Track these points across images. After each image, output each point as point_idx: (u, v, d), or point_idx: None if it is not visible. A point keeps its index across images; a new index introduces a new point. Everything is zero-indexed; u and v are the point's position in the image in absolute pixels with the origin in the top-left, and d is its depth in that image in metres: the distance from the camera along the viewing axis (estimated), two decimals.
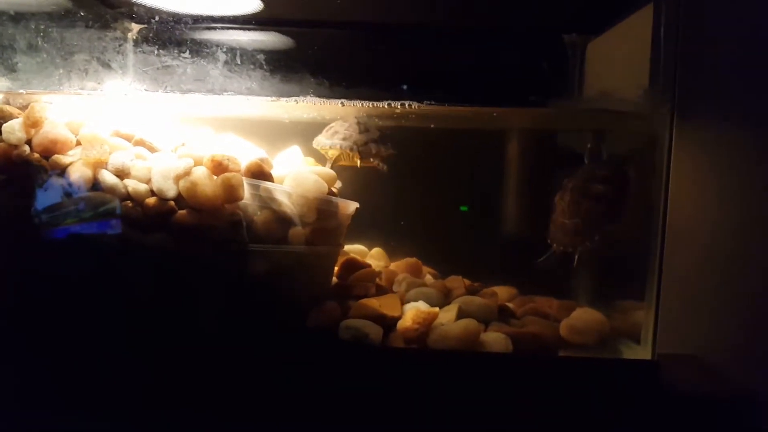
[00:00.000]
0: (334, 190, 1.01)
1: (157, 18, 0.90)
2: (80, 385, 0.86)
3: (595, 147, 1.01)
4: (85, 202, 0.88)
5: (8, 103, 0.92)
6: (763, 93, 1.02)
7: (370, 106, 0.93)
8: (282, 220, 0.92)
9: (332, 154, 1.02)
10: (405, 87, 0.92)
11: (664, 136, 0.90)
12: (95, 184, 0.88)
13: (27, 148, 0.89)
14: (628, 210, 0.97)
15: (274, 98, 0.92)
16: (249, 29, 0.93)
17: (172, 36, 0.90)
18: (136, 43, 0.91)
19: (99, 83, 0.91)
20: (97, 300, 0.88)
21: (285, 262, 0.92)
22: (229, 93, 0.91)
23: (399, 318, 0.93)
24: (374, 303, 0.96)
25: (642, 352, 0.91)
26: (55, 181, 0.89)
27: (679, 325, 1.03)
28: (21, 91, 0.92)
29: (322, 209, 0.94)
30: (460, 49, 1.01)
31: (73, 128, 0.92)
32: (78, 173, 0.88)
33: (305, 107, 0.94)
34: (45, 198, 0.88)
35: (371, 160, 1.03)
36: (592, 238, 0.97)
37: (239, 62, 0.91)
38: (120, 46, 0.91)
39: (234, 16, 0.92)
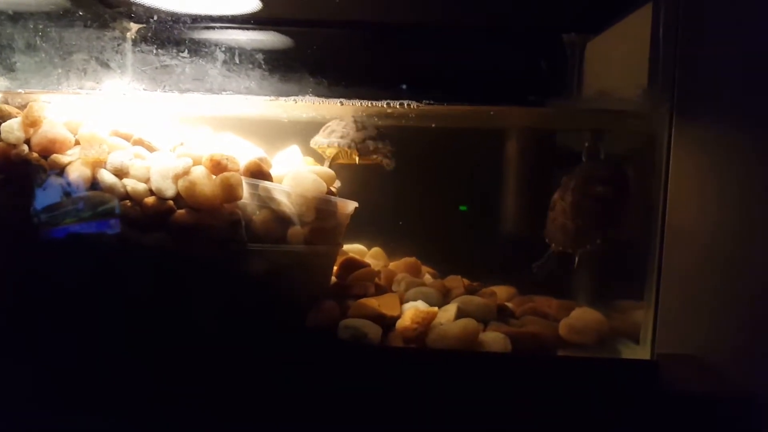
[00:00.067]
0: (333, 189, 1.01)
1: (155, 17, 0.90)
2: (80, 385, 0.86)
3: (593, 145, 1.01)
4: (83, 201, 0.88)
5: (7, 103, 0.92)
6: (763, 92, 1.02)
7: (369, 105, 0.93)
8: (281, 219, 0.92)
9: (330, 152, 1.02)
10: (404, 86, 0.92)
11: (663, 136, 0.89)
12: (94, 184, 0.88)
13: (26, 147, 0.89)
14: (629, 211, 0.96)
15: (272, 98, 0.92)
16: (248, 29, 0.93)
17: (170, 35, 0.90)
18: (134, 42, 0.92)
19: (98, 83, 0.91)
20: (96, 299, 0.88)
21: (284, 262, 0.91)
22: (227, 92, 0.91)
23: (398, 317, 0.93)
24: (373, 302, 0.96)
25: (641, 351, 0.91)
26: (54, 180, 0.89)
27: (679, 325, 1.03)
28: (20, 90, 0.91)
29: (321, 209, 0.94)
30: (458, 49, 1.00)
31: (72, 128, 0.92)
32: (77, 173, 0.88)
33: (304, 107, 0.94)
34: (44, 197, 0.88)
35: (372, 157, 1.03)
36: (594, 241, 0.97)
37: (238, 62, 0.91)
38: (118, 45, 0.91)
39: (233, 16, 0.92)
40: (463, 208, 1.20)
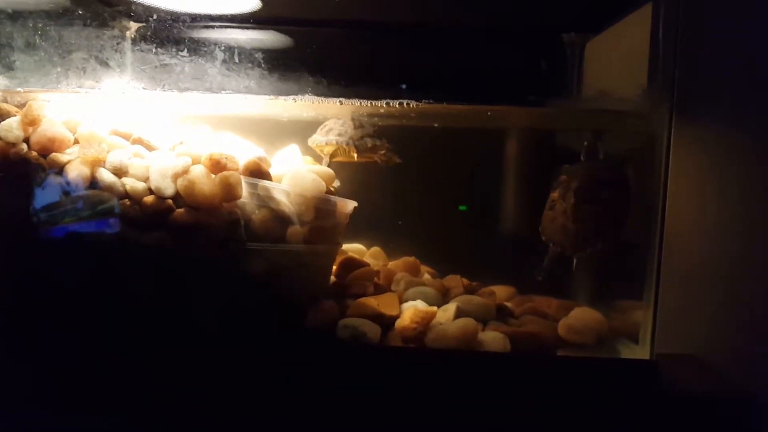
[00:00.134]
0: (332, 189, 1.01)
1: (155, 16, 0.90)
2: (80, 384, 0.86)
3: (592, 144, 1.01)
4: (82, 200, 0.88)
5: (6, 101, 0.92)
6: (763, 92, 1.02)
7: (369, 104, 0.93)
8: (280, 218, 0.92)
9: (328, 150, 1.02)
10: (403, 86, 0.92)
11: (663, 135, 0.89)
12: (93, 183, 0.88)
13: (25, 146, 0.89)
14: (630, 213, 0.96)
15: (272, 97, 0.92)
16: (247, 28, 0.93)
17: (170, 34, 0.90)
18: (134, 41, 0.91)
19: (97, 81, 0.91)
20: (95, 298, 0.88)
21: (283, 261, 0.91)
22: (227, 91, 0.91)
23: (397, 317, 0.93)
24: (372, 302, 0.96)
25: (640, 351, 0.91)
26: (53, 179, 0.89)
27: (678, 325, 1.03)
28: (19, 89, 0.91)
29: (320, 208, 0.94)
30: (458, 48, 1.00)
31: (71, 126, 0.92)
32: (76, 171, 0.88)
33: (303, 106, 0.94)
34: (43, 196, 0.88)
35: (371, 154, 1.04)
36: (595, 245, 0.97)
37: (237, 61, 0.91)
38: (118, 44, 0.91)
39: (232, 15, 0.92)
40: (462, 207, 1.20)
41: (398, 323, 0.91)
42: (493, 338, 0.89)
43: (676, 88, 0.88)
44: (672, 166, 0.91)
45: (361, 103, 0.93)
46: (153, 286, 0.88)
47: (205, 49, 0.91)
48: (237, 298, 0.89)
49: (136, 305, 0.88)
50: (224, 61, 0.91)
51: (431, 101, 0.92)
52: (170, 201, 0.88)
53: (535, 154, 1.18)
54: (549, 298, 1.05)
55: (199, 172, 0.88)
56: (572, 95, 1.01)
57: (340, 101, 0.92)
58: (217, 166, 0.89)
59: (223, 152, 0.90)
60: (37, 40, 0.90)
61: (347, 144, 1.00)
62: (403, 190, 1.15)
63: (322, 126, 1.04)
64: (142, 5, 0.90)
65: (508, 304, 1.04)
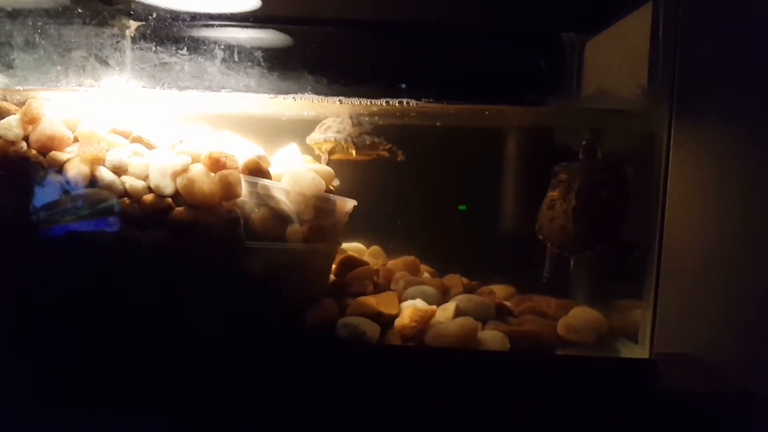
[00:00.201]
0: (331, 187, 1.00)
1: (154, 15, 0.90)
2: (79, 384, 0.86)
3: (591, 143, 1.00)
4: (82, 198, 0.88)
5: (5, 100, 0.92)
6: (763, 91, 1.02)
7: (368, 103, 0.93)
8: (279, 217, 0.92)
9: (326, 147, 1.02)
10: (403, 85, 0.92)
11: (663, 135, 0.89)
12: (92, 181, 0.88)
13: (24, 144, 0.89)
14: (631, 215, 0.96)
15: (271, 95, 0.92)
16: (247, 26, 0.93)
17: (169, 33, 0.90)
18: (133, 39, 0.91)
19: (96, 80, 0.91)
20: (94, 297, 0.88)
21: (282, 260, 0.91)
22: (226, 90, 0.91)
23: (396, 316, 0.93)
24: (372, 301, 0.96)
25: (639, 351, 0.91)
26: (53, 177, 0.89)
27: (677, 325, 1.03)
28: (18, 87, 0.91)
29: (319, 207, 0.94)
30: (457, 47, 1.00)
31: (71, 125, 0.92)
32: (75, 170, 0.88)
33: (303, 105, 0.94)
34: (42, 195, 0.88)
35: (377, 151, 1.04)
36: (595, 248, 0.97)
37: (237, 59, 0.91)
38: (117, 42, 0.91)
39: (232, 14, 0.92)
40: (462, 207, 1.20)
41: (398, 322, 0.91)
42: (492, 337, 0.90)
43: (676, 87, 0.88)
44: (672, 165, 0.91)
45: (360, 101, 0.93)
46: (152, 285, 0.88)
47: (205, 47, 0.91)
48: (236, 296, 0.89)
49: (135, 304, 0.87)
50: (224, 59, 0.91)
51: (431, 100, 0.92)
52: (170, 199, 0.88)
53: (535, 153, 1.17)
54: (548, 298, 1.05)
55: (198, 171, 0.88)
56: (572, 94, 1.01)
57: (339, 100, 0.92)
58: (216, 164, 0.89)
59: (222, 151, 0.90)
60: (37, 39, 0.90)
61: (345, 141, 1.00)
62: (402, 189, 1.15)
63: (320, 124, 1.04)
64: (142, 3, 0.90)
65: (508, 303, 1.04)
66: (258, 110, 1.03)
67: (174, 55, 0.90)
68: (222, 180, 0.88)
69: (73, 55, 0.90)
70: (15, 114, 0.90)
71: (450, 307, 0.94)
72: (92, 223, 0.87)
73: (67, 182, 0.88)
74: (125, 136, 0.93)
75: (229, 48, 0.91)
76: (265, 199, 0.91)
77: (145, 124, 0.95)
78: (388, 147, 1.05)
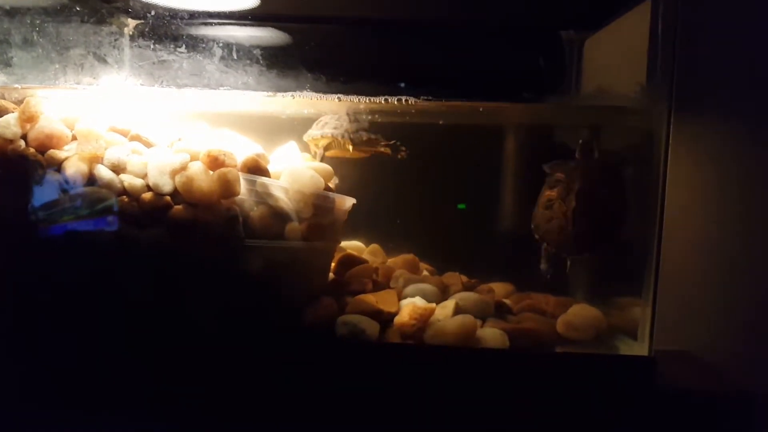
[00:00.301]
0: (330, 185, 1.00)
1: (153, 12, 0.90)
2: (79, 384, 0.86)
3: (588, 142, 1.00)
4: (80, 197, 0.88)
5: (3, 98, 0.92)
6: (763, 91, 1.02)
7: (368, 101, 0.93)
8: (278, 215, 0.92)
9: (323, 143, 1.02)
10: (402, 82, 0.92)
11: (662, 132, 0.89)
12: (91, 180, 0.88)
13: (22, 143, 0.89)
14: (632, 215, 0.96)
15: (270, 93, 0.92)
16: (246, 24, 0.93)
17: (168, 31, 0.90)
18: (132, 37, 0.91)
19: (95, 78, 0.91)
20: (93, 296, 0.87)
21: (281, 258, 0.91)
22: (225, 88, 0.91)
23: (396, 314, 0.93)
24: (371, 299, 0.96)
25: (639, 348, 0.91)
26: (51, 176, 0.88)
27: (677, 324, 1.03)
28: (16, 85, 0.91)
29: (318, 205, 0.94)
30: (457, 45, 1.00)
31: (69, 123, 0.92)
32: (74, 168, 0.88)
33: (302, 102, 0.94)
34: (41, 193, 0.88)
35: (378, 148, 1.04)
36: (594, 249, 0.97)
37: (236, 57, 0.91)
38: (116, 40, 0.90)
39: (230, 12, 0.92)
40: (461, 206, 1.20)
41: (397, 320, 0.91)
42: (491, 335, 0.89)
43: (675, 85, 0.88)
44: (671, 163, 0.91)
45: (359, 99, 0.92)
46: (151, 283, 0.88)
47: (204, 45, 0.91)
48: (235, 295, 0.89)
49: (134, 302, 0.87)
50: (222, 57, 0.91)
51: (430, 98, 0.92)
52: (168, 198, 0.88)
53: (535, 151, 1.17)
54: (547, 295, 1.05)
55: (197, 169, 0.88)
56: (571, 92, 1.01)
57: (338, 98, 0.92)
58: (215, 162, 0.89)
59: (221, 149, 0.90)
60: (35, 37, 0.90)
61: (342, 137, 1.00)
62: (401, 187, 1.15)
63: (317, 121, 1.04)
64: (140, 1, 0.90)
65: (507, 301, 1.04)
66: (257, 108, 1.03)
67: (172, 53, 0.90)
68: (221, 178, 0.88)
69: (71, 53, 0.90)
70: (13, 112, 0.90)
71: (449, 305, 0.94)
72: (91, 221, 0.87)
73: (66, 181, 0.88)
74: (124, 134, 0.93)
75: (228, 46, 0.91)
76: (264, 197, 0.91)
77: (144, 123, 0.95)
78: (390, 143, 1.05)
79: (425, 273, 1.14)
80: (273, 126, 1.05)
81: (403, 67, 0.96)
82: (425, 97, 0.92)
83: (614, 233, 0.96)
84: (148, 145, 0.93)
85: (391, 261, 1.16)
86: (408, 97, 0.92)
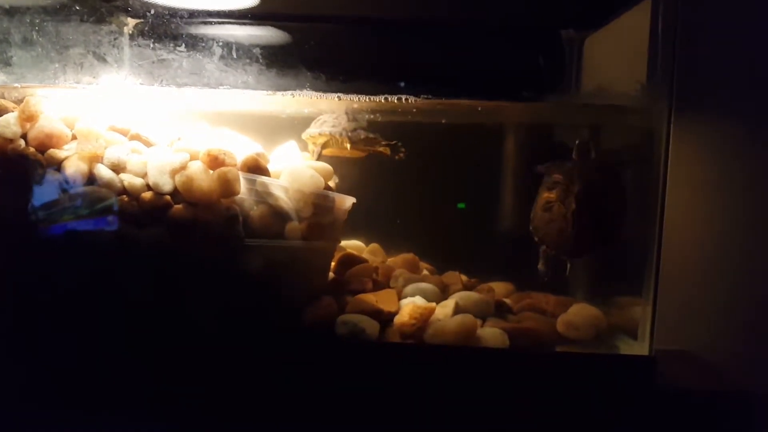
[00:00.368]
0: (330, 185, 1.00)
1: (152, 12, 0.90)
2: (79, 384, 0.85)
3: (585, 142, 0.99)
4: (80, 196, 0.87)
5: (3, 97, 0.92)
6: (762, 89, 1.02)
7: (367, 100, 0.93)
8: (278, 215, 0.92)
9: (321, 141, 1.02)
10: (402, 81, 0.92)
11: (662, 131, 0.89)
12: (91, 179, 0.88)
13: (22, 142, 0.89)
14: (632, 217, 0.96)
15: (270, 92, 0.91)
16: (245, 23, 0.93)
17: (167, 30, 0.90)
18: (131, 37, 0.91)
19: (95, 77, 0.90)
20: (92, 295, 0.87)
21: (281, 257, 0.91)
22: (225, 87, 0.91)
23: (396, 313, 0.93)
24: (371, 298, 0.96)
25: (639, 348, 0.91)
26: (51, 175, 0.88)
27: (677, 324, 1.03)
28: (16, 84, 0.91)
29: (318, 204, 0.94)
30: (457, 44, 1.00)
31: (69, 122, 0.92)
32: (74, 168, 0.88)
33: (302, 101, 0.94)
34: (41, 193, 0.88)
35: (377, 147, 1.04)
36: (594, 251, 0.97)
37: (235, 56, 0.91)
38: (116, 39, 0.90)
39: (230, 10, 0.92)
40: (461, 205, 1.20)
41: (397, 319, 0.91)
42: (491, 334, 0.89)
43: (676, 84, 0.88)
44: (672, 162, 0.91)
45: (359, 98, 0.92)
46: (151, 283, 0.88)
47: (203, 44, 0.90)
48: (235, 294, 0.89)
49: (134, 302, 0.87)
50: (222, 56, 0.91)
51: (430, 97, 0.92)
52: (168, 197, 0.88)
53: (534, 150, 1.17)
54: (547, 295, 1.05)
55: (197, 168, 0.88)
56: (571, 91, 1.01)
57: (338, 97, 0.92)
58: (215, 161, 0.89)
59: (221, 148, 0.90)
60: (35, 36, 0.90)
61: (340, 135, 1.00)
62: (401, 186, 1.15)
63: (316, 120, 1.04)
64: (140, 1, 0.90)
65: (507, 301, 1.04)
66: (256, 107, 1.03)
67: (172, 52, 0.90)
68: (221, 177, 0.88)
69: (71, 52, 0.90)
70: (13, 111, 0.90)
71: (449, 304, 0.94)
72: (90, 221, 0.87)
73: (66, 180, 0.88)
74: (123, 133, 0.93)
75: (227, 45, 0.91)
76: (263, 196, 0.91)
77: (144, 122, 0.95)
78: (392, 143, 1.05)
79: (425, 272, 1.14)
80: (273, 125, 1.05)
81: (402, 66, 0.96)
82: (425, 96, 0.92)
83: (615, 235, 0.96)
84: (147, 144, 0.93)
85: (390, 260, 1.16)
86: (408, 96, 0.92)
